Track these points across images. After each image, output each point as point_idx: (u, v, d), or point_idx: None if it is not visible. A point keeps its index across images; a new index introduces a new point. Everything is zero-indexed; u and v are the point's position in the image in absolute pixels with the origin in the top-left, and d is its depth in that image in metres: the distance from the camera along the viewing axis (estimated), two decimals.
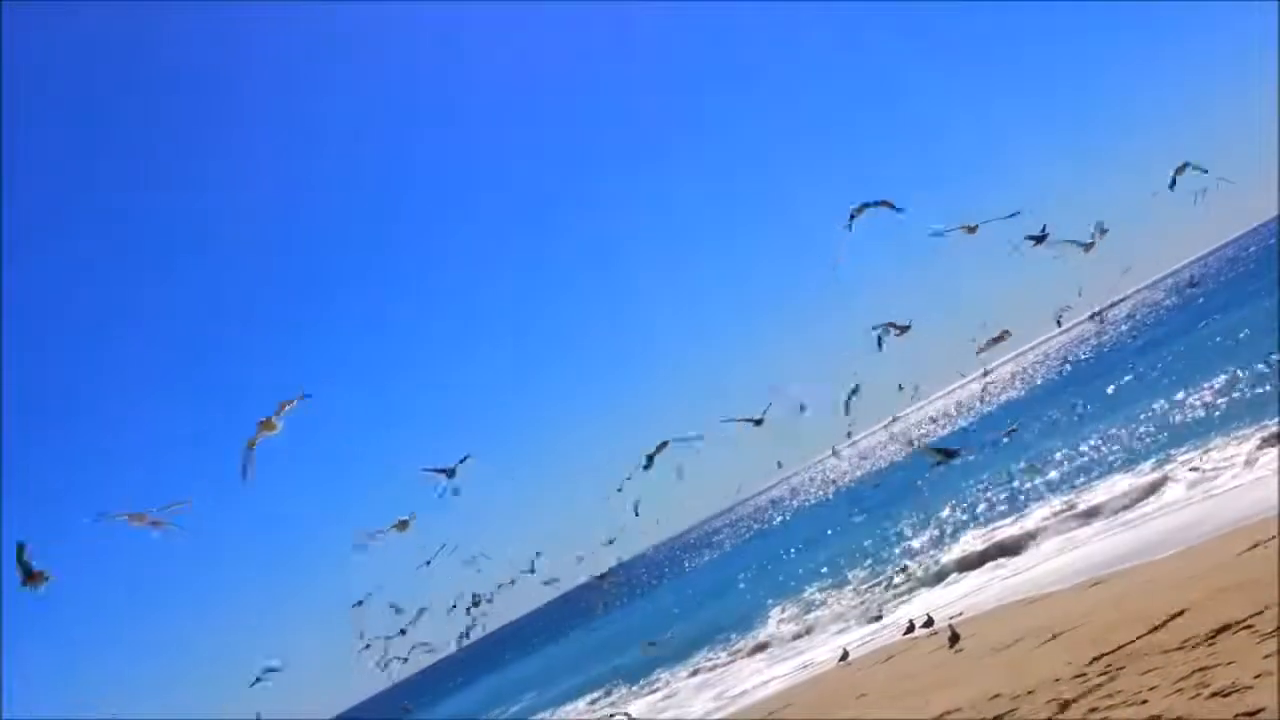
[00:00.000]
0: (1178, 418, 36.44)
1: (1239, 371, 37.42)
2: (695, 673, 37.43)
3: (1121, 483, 28.72)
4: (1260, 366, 36.26)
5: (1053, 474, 37.73)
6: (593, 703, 42.61)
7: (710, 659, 38.50)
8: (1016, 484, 39.50)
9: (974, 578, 28.33)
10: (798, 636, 33.56)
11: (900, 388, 21.60)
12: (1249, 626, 10.86)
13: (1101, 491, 29.05)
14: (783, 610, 39.60)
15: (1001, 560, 28.34)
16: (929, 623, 22.44)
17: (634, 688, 40.75)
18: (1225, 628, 11.25)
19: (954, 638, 18.71)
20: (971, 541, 32.67)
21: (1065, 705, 11.25)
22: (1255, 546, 14.98)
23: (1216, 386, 37.44)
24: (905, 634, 22.95)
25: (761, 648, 35.08)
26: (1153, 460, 30.54)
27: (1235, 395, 34.43)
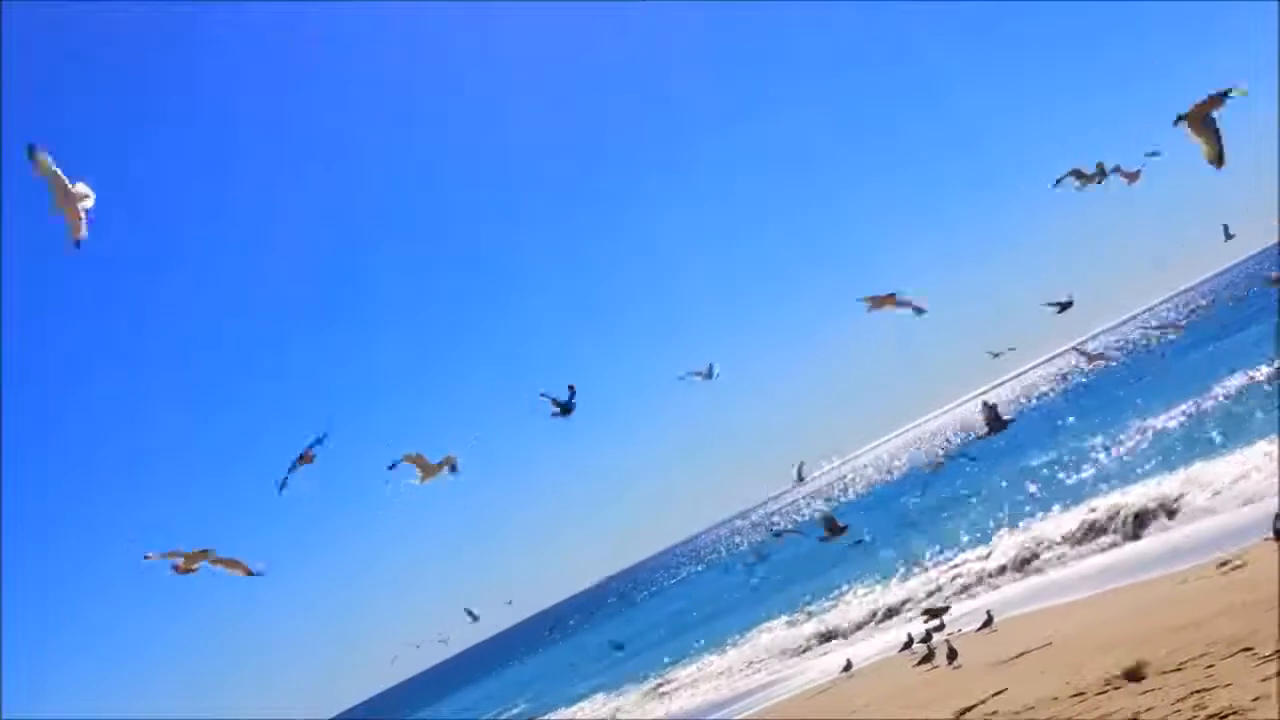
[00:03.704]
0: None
1: None
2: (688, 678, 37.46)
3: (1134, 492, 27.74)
4: None
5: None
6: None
7: (708, 664, 38.40)
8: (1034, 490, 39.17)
9: (981, 590, 27.97)
10: (802, 650, 33.20)
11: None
12: (1248, 649, 10.78)
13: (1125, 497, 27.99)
14: (789, 619, 39.32)
15: (1009, 573, 27.93)
16: (927, 637, 22.30)
17: (641, 686, 40.75)
18: (1224, 649, 11.17)
19: (951, 653, 18.60)
20: (981, 553, 32.24)
21: None
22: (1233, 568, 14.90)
23: None
24: (903, 649, 22.82)
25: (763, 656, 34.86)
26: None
27: None
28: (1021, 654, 16.13)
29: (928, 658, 19.74)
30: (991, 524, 35.66)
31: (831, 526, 16.56)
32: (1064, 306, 15.13)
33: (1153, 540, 23.24)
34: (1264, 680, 9.68)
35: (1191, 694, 10.27)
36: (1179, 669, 11.21)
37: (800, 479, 20.84)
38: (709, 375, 14.79)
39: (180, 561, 8.93)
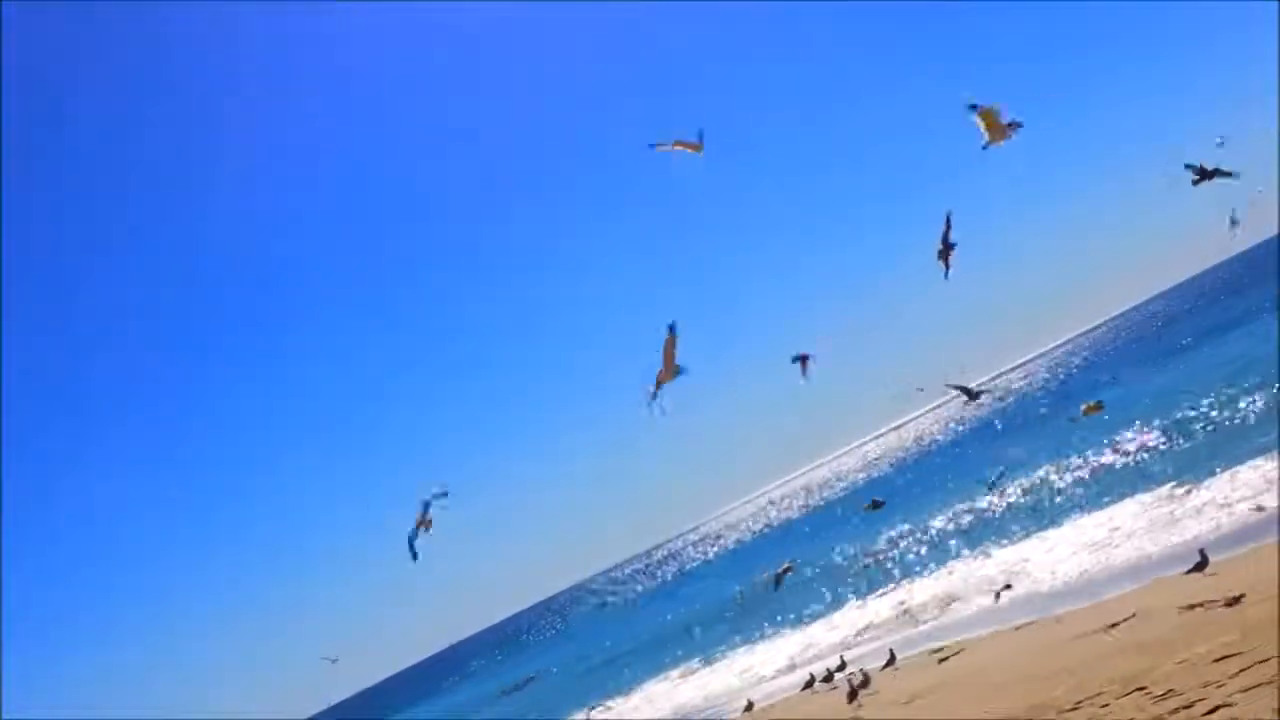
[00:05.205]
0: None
1: None
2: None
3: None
4: None
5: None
6: None
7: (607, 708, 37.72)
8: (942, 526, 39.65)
9: (883, 630, 28.02)
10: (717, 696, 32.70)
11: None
12: (1142, 688, 10.90)
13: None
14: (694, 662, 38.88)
15: (910, 612, 28.07)
16: (829, 677, 22.24)
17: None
18: (1119, 688, 11.27)
19: (852, 693, 18.52)
20: (883, 596, 32.45)
21: None
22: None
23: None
24: (804, 688, 22.70)
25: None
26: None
27: None
28: (923, 694, 16.13)
29: (864, 684, 19.07)
30: (897, 571, 36.16)
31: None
32: (1217, 175, 11.14)
33: (1047, 584, 23.65)
34: (1156, 719, 9.76)
35: None
36: (1075, 708, 11.30)
37: None
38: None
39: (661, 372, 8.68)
